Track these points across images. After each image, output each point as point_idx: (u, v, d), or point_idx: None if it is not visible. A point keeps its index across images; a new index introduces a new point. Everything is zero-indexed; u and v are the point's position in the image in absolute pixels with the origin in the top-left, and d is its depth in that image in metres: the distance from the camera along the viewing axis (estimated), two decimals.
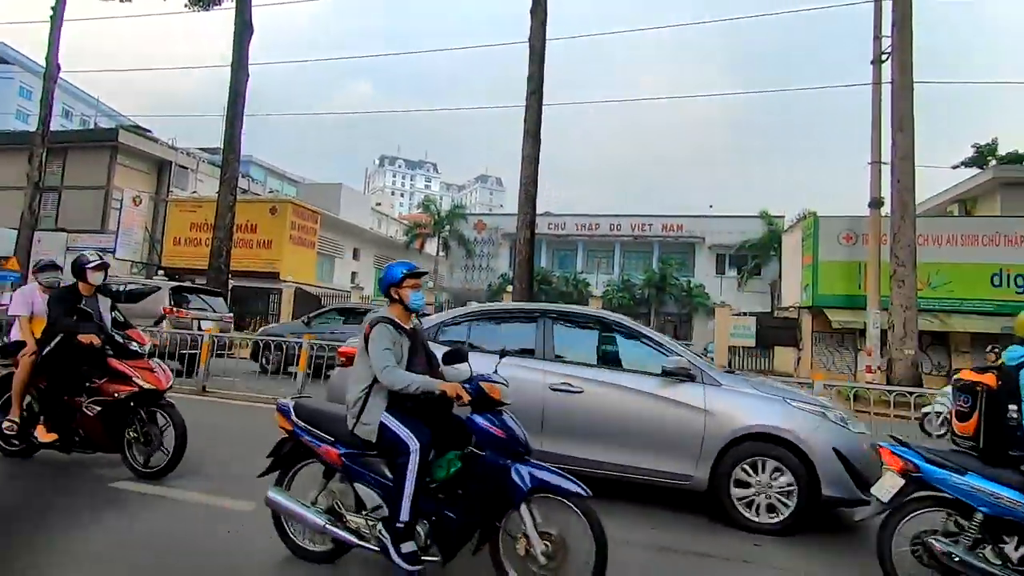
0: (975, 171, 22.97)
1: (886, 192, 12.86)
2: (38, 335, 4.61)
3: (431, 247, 38.39)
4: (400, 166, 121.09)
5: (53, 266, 5.12)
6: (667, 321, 31.40)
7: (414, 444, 2.76)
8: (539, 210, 16.51)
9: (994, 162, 25.03)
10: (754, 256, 30.45)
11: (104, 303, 4.73)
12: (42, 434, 4.39)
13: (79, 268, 4.58)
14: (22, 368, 4.53)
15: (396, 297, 3.15)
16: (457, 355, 3.08)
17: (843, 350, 17.66)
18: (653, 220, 33.49)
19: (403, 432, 2.80)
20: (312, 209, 26.42)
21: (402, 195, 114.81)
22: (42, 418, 4.46)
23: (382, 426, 2.86)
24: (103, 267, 4.66)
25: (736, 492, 4.11)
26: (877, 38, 13.63)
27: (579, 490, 2.67)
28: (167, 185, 26.39)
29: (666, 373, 4.31)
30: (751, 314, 21.89)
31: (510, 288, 14.84)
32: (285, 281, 22.51)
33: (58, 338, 4.46)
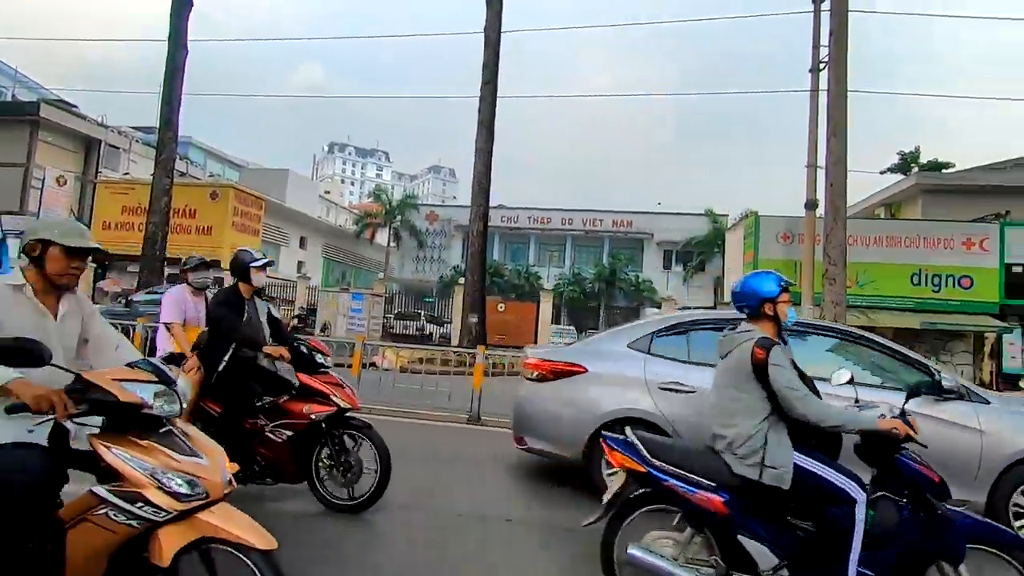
0: (900, 177, 24.58)
1: (821, 194, 13.57)
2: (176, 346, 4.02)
3: (382, 237, 37.71)
4: (350, 153, 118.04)
5: (205, 264, 4.46)
6: (616, 315, 32.09)
7: (860, 495, 2.34)
8: (492, 203, 16.49)
9: (916, 169, 26.86)
10: (699, 253, 31.51)
11: (262, 307, 4.12)
12: None
13: (243, 267, 3.94)
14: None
15: (770, 314, 2.74)
16: (923, 389, 2.61)
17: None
18: (604, 216, 34.09)
19: (838, 479, 2.38)
20: (256, 195, 25.41)
21: (352, 184, 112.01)
22: None
23: (802, 471, 2.42)
24: (268, 266, 4.08)
25: (1017, 519, 3.92)
26: (816, 47, 14.31)
27: (1020, 541, 2.40)
28: (96, 165, 24.69)
29: (942, 391, 3.95)
30: (696, 308, 22.70)
31: (462, 280, 14.78)
32: (227, 270, 21.62)
33: (230, 351, 3.80)
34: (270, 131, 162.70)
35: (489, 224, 15.89)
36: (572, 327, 28.01)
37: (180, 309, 4.24)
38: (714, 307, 24.34)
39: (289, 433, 3.67)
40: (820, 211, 13.85)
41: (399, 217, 35.22)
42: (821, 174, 13.40)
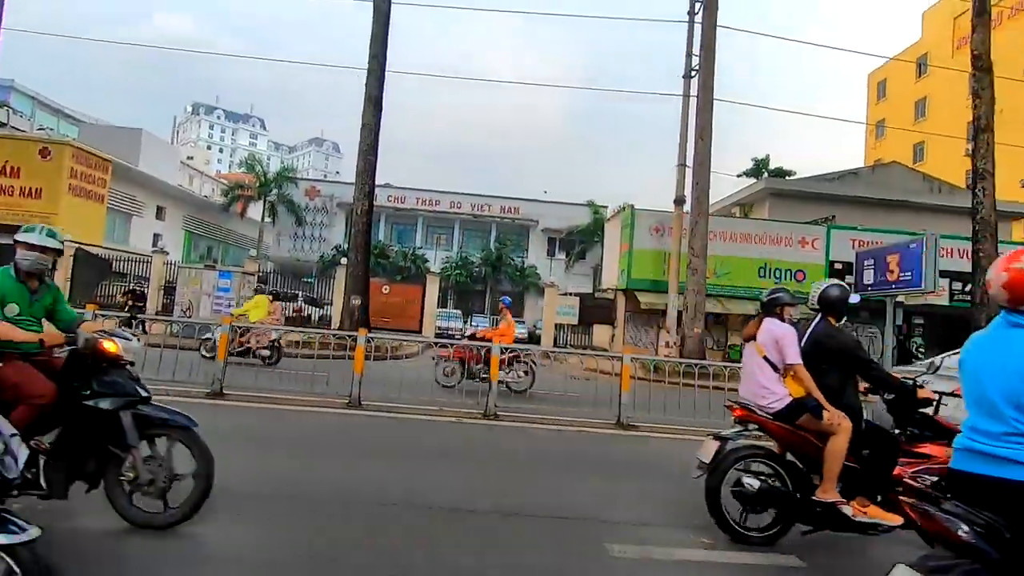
0: (752, 181, 27.59)
1: (688, 192, 14.84)
2: (794, 390, 3.60)
3: (255, 212, 34.88)
4: (219, 117, 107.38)
5: (798, 298, 3.95)
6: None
7: None
8: (379, 181, 15.92)
9: (766, 174, 30.31)
10: (581, 241, 33.05)
11: None
12: (880, 514, 3.34)
13: (841, 302, 3.74)
14: (845, 435, 3.39)
15: None
16: None
17: (649, 328, 20.14)
18: (492, 201, 34.43)
19: None
20: (101, 156, 22.22)
21: (221, 151, 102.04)
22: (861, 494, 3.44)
23: None
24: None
25: None
26: (689, 56, 15.52)
27: None
28: None
29: None
30: (576, 294, 23.82)
31: (345, 260, 14.17)
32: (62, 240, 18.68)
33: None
34: (120, 86, 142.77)
35: (375, 203, 15.36)
36: (459, 311, 28.09)
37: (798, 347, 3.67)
38: (592, 294, 25.74)
39: (934, 479, 3.23)
40: (687, 207, 15.16)
41: (275, 190, 32.76)
42: (689, 173, 14.66)
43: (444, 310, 26.41)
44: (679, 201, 16.05)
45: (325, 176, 74.50)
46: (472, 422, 6.91)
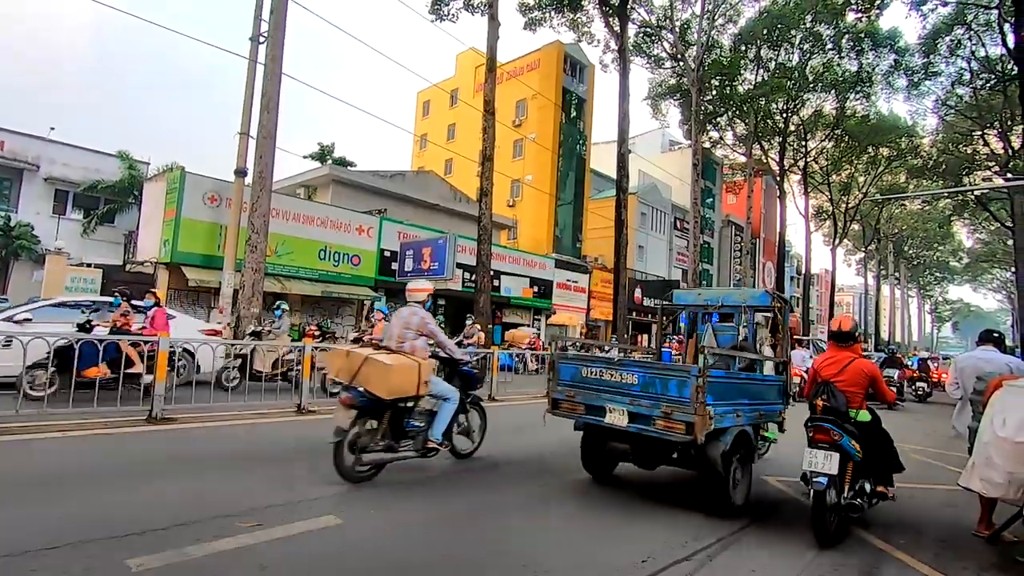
0: (317, 164, 28.29)
1: (251, 164, 13.97)
2: None
3: None
4: None
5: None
6: None
7: None
8: None
9: (330, 161, 31.60)
10: (109, 200, 26.56)
11: None
12: None
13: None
14: None
15: None
16: None
17: (198, 307, 18.00)
18: None
19: None
20: None
21: None
22: None
23: None
24: None
25: None
26: (257, 19, 14.53)
27: None
28: None
29: None
30: (99, 266, 19.04)
31: None
32: None
33: None
34: None
35: None
36: None
37: None
38: (123, 266, 21.14)
39: None
40: (249, 180, 14.25)
41: None
42: (253, 144, 13.80)
43: None
44: (240, 172, 14.91)
45: None
46: None
